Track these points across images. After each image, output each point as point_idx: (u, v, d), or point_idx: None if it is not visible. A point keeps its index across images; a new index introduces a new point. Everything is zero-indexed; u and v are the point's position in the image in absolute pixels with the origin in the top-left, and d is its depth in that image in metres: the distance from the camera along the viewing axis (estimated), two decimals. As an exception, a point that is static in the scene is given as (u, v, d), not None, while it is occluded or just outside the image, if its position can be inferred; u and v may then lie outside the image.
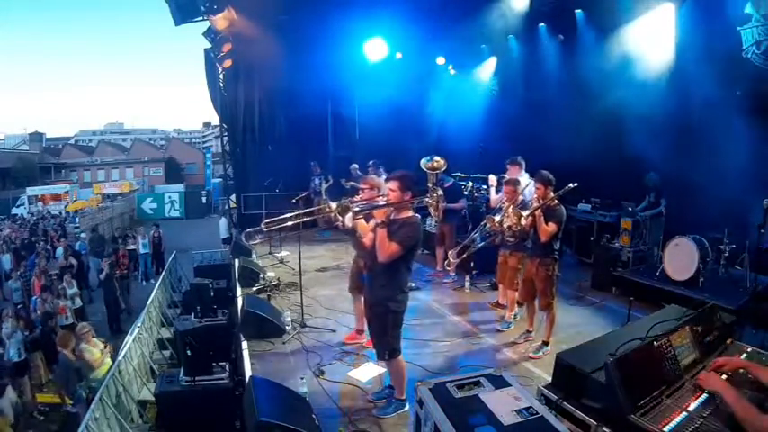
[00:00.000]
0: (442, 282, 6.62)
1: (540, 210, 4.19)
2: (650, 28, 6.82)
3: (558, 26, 8.60)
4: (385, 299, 3.24)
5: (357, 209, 3.27)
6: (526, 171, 6.24)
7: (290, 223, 3.89)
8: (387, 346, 3.28)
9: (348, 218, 3.45)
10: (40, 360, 7.39)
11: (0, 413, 5.47)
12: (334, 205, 3.38)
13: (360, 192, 4.05)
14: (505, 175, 5.97)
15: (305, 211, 4.20)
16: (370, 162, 8.01)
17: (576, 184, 4.27)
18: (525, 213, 4.32)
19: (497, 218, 4.66)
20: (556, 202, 4.24)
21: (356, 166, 9.05)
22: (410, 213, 3.25)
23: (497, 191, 5.95)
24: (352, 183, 8.77)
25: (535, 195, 4.36)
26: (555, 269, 4.26)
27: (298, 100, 10.73)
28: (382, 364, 3.79)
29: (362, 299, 4.47)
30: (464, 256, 5.45)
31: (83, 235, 14.59)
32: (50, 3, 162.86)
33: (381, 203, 3.36)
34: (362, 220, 3.52)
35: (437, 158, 5.83)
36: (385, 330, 3.27)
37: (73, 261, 11.17)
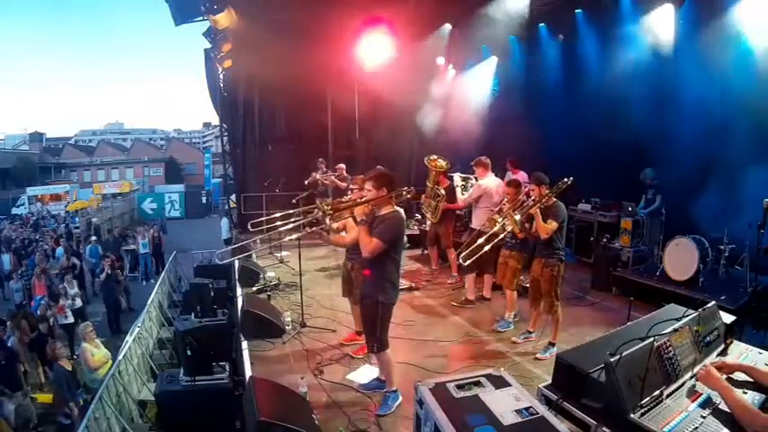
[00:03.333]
0: (442, 282, 6.61)
1: (536, 209, 4.18)
2: (650, 28, 6.83)
3: (559, 26, 8.61)
4: (374, 291, 3.35)
5: (329, 209, 3.26)
6: (526, 171, 6.27)
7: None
8: (375, 339, 3.40)
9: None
10: (37, 361, 7.35)
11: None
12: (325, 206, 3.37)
13: (350, 191, 4.12)
14: (472, 176, 6.04)
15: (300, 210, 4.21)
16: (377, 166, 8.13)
17: (570, 179, 4.27)
18: (518, 217, 4.29)
19: (499, 219, 4.65)
20: (553, 199, 4.23)
21: (322, 159, 9.34)
22: (391, 209, 3.34)
23: (463, 191, 5.96)
24: (319, 177, 8.86)
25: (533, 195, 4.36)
26: (560, 270, 4.23)
27: (298, 100, 10.72)
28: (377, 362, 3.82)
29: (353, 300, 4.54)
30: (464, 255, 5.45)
31: (93, 238, 14.55)
32: (51, 2, 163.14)
33: (360, 201, 3.48)
34: (350, 220, 3.63)
35: (441, 161, 5.93)
36: (374, 322, 3.37)
37: (75, 262, 11.17)
